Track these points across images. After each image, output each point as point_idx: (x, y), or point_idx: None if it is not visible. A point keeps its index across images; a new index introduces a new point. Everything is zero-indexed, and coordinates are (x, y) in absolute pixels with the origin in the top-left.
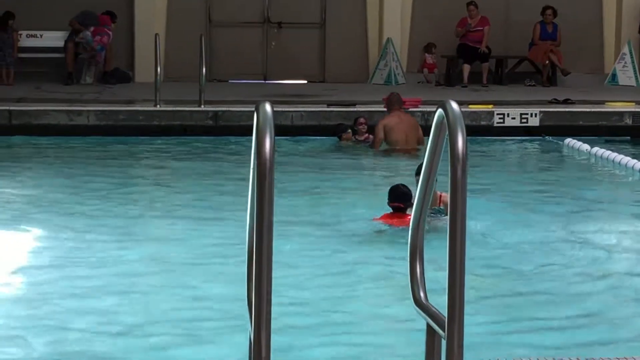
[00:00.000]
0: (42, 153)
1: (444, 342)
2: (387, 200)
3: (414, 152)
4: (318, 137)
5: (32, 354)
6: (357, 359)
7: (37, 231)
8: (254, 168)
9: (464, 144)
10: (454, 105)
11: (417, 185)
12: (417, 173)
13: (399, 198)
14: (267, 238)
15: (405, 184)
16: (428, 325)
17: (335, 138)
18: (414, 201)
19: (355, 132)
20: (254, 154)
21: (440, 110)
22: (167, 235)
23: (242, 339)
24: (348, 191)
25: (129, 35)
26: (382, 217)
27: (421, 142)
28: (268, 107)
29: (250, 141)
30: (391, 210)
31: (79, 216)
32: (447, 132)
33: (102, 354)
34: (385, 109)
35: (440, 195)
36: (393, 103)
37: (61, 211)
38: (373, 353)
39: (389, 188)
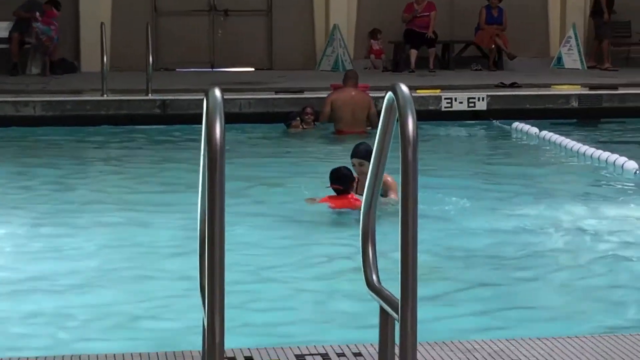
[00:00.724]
0: None
1: (397, 325)
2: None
3: (362, 134)
4: (266, 125)
5: None
6: (310, 343)
7: None
8: (204, 154)
9: (414, 127)
10: (404, 88)
11: (355, 169)
12: (352, 156)
13: (339, 180)
14: (219, 223)
15: (348, 167)
16: (381, 308)
17: (284, 125)
18: (355, 183)
19: (302, 121)
20: (205, 139)
21: (390, 94)
22: (116, 224)
23: (197, 324)
24: (295, 176)
25: (74, 25)
26: (323, 199)
27: (374, 126)
28: (218, 92)
29: (199, 129)
30: (333, 193)
31: (26, 207)
32: (397, 115)
33: (56, 339)
34: (333, 89)
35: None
36: (348, 78)
37: (8, 202)
38: (326, 336)
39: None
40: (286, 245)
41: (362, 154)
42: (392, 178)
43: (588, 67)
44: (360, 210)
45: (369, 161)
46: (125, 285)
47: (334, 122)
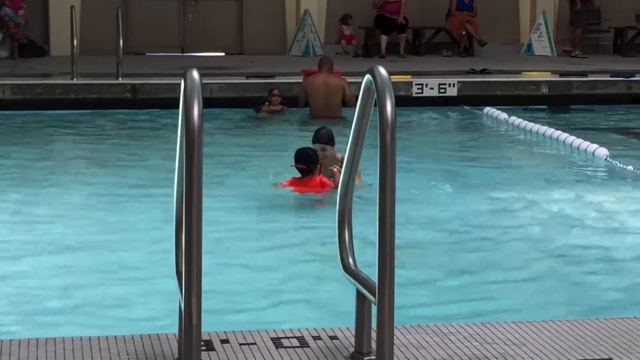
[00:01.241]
0: None
1: (374, 308)
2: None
3: (337, 118)
4: (237, 109)
5: None
6: (285, 325)
7: None
8: (181, 135)
9: (392, 109)
10: (382, 70)
11: (318, 154)
12: (314, 141)
13: (302, 159)
14: (197, 204)
15: (314, 149)
16: (358, 291)
17: (253, 110)
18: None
19: (269, 103)
20: (182, 121)
21: (368, 76)
22: (86, 209)
23: (172, 308)
24: (265, 160)
25: (44, 8)
26: (287, 183)
27: (351, 105)
28: (195, 73)
29: (169, 114)
30: (298, 175)
31: None
32: (375, 98)
33: (32, 327)
34: (304, 74)
35: (342, 158)
36: (323, 64)
37: None
38: (303, 320)
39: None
40: (261, 229)
41: (323, 138)
42: None
43: (564, 52)
44: (323, 193)
45: (332, 145)
46: (98, 270)
47: (309, 107)
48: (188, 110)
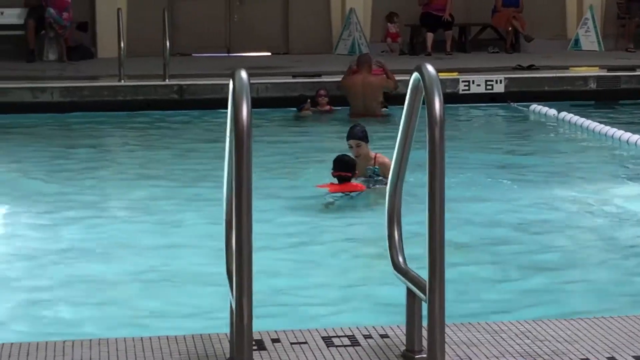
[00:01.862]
0: (5, 131)
1: (425, 305)
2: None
3: (376, 117)
4: (283, 109)
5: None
6: (338, 324)
7: (5, 209)
8: (230, 135)
9: (441, 106)
10: (430, 68)
11: (352, 151)
12: (349, 137)
13: (346, 167)
14: (247, 203)
15: (348, 154)
16: (408, 290)
17: (295, 109)
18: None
19: (316, 104)
20: (231, 120)
21: (416, 74)
22: (137, 211)
23: (223, 308)
24: (309, 160)
25: (91, 11)
26: (326, 185)
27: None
28: (244, 73)
29: (216, 114)
30: (336, 181)
31: (47, 194)
32: (423, 95)
33: (85, 328)
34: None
35: (375, 156)
36: (361, 63)
37: (28, 188)
38: (353, 318)
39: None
40: (310, 228)
41: (358, 134)
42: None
43: (618, 47)
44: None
45: (366, 142)
46: (151, 271)
47: (349, 106)
48: (237, 110)
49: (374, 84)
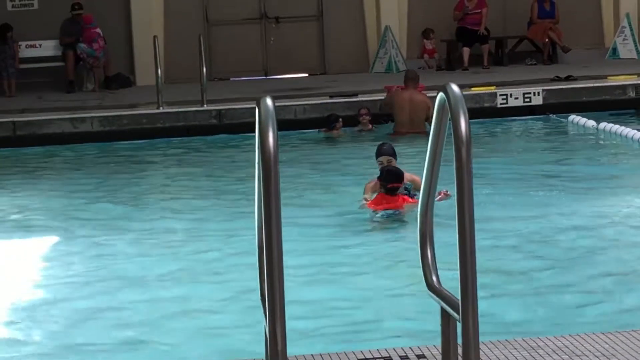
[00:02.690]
0: (48, 162)
1: (459, 325)
2: (381, 182)
3: (421, 134)
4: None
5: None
6: (374, 345)
7: (50, 239)
8: (258, 162)
9: (466, 126)
10: (455, 87)
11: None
12: (380, 154)
13: (394, 178)
14: (276, 231)
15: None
16: (442, 309)
17: (320, 130)
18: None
19: (358, 123)
20: (258, 148)
21: (441, 94)
22: (179, 235)
23: (258, 333)
24: (346, 181)
25: (128, 39)
26: (374, 202)
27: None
28: (269, 101)
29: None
30: (382, 191)
31: (91, 222)
32: (449, 116)
33: (118, 352)
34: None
35: (404, 173)
36: (408, 80)
37: (73, 217)
38: (389, 339)
39: (380, 170)
40: (341, 250)
41: (389, 151)
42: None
43: None
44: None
45: (395, 159)
46: (186, 295)
47: (394, 122)
48: (263, 137)
49: (420, 101)
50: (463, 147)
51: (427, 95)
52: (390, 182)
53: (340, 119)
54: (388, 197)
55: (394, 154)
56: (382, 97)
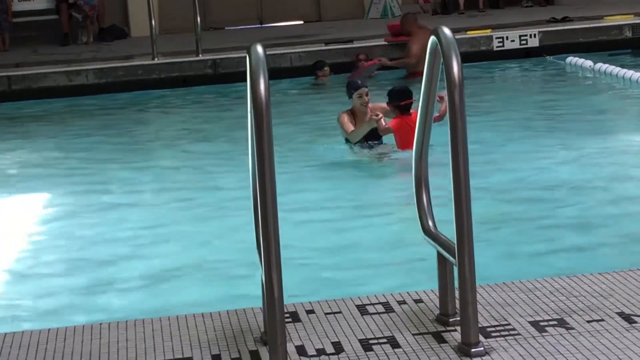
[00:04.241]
0: (43, 116)
1: (456, 269)
2: (393, 103)
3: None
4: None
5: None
6: (371, 292)
7: (47, 192)
8: (250, 110)
9: (459, 69)
10: (447, 31)
11: (361, 100)
12: (358, 87)
13: (409, 93)
14: (270, 178)
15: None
16: (439, 254)
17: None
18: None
19: (356, 68)
20: (250, 96)
21: (433, 38)
22: (174, 186)
23: (255, 283)
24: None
25: None
26: (394, 122)
27: None
28: (259, 48)
29: None
30: (397, 113)
31: (88, 173)
32: (442, 59)
33: (120, 302)
34: (387, 43)
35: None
36: (411, 23)
37: (70, 170)
38: (387, 283)
39: (389, 92)
40: (337, 195)
41: (365, 84)
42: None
43: None
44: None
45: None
46: (182, 244)
47: (409, 65)
48: (254, 85)
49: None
50: (456, 90)
51: None
52: (405, 98)
53: (327, 67)
54: (406, 117)
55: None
56: (378, 43)
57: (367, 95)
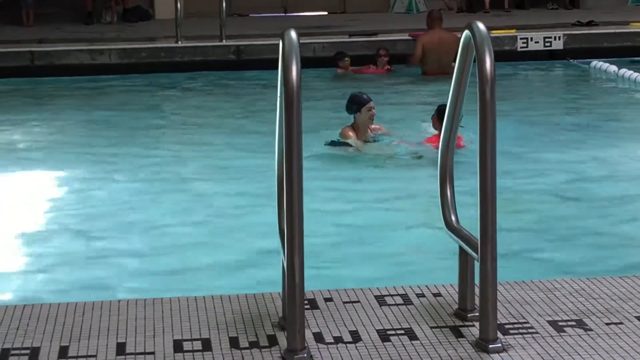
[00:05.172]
0: (65, 93)
1: (477, 264)
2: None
3: (449, 74)
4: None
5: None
6: (391, 281)
7: (66, 170)
8: (281, 95)
9: (492, 65)
10: (481, 26)
11: (370, 114)
12: (368, 101)
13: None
14: (297, 164)
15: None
16: (460, 248)
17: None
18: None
19: (375, 63)
20: (281, 81)
21: (466, 32)
22: (193, 170)
23: (276, 268)
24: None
25: None
26: (434, 138)
27: None
28: (293, 34)
29: (274, 74)
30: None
31: (104, 154)
32: (474, 54)
33: (135, 285)
34: (411, 38)
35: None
36: (434, 20)
37: (88, 149)
38: (407, 275)
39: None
40: (363, 187)
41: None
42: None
43: None
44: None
45: None
46: (204, 231)
47: (424, 64)
48: (286, 70)
49: (449, 40)
50: (487, 86)
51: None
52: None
53: (347, 58)
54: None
55: None
56: (402, 38)
57: (374, 107)
